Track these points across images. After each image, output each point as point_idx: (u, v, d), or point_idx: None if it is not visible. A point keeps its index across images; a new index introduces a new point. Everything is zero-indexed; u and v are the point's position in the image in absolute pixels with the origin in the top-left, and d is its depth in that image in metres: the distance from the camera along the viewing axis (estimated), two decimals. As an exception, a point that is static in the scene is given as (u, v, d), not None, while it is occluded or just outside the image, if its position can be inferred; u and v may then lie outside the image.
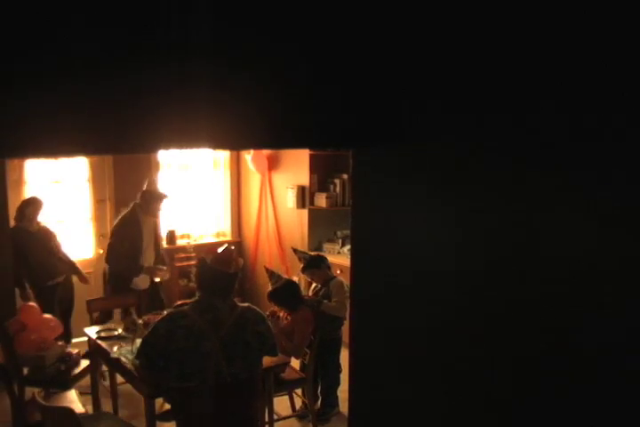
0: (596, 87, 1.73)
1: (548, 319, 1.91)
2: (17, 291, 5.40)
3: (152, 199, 5.56)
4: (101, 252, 6.51)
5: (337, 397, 4.80)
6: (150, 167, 6.71)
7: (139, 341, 3.54)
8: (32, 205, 5.41)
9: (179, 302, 4.00)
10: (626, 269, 1.72)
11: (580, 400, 1.86)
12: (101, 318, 5.23)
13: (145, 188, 5.67)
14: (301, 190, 6.53)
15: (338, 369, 4.76)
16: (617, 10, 1.66)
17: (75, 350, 4.57)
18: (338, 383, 4.79)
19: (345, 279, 4.61)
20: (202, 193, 7.21)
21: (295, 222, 6.41)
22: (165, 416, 4.17)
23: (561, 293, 1.87)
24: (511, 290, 2.01)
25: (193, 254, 6.76)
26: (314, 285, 4.85)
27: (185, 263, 6.73)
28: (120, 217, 5.57)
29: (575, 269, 1.83)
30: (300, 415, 4.71)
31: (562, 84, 1.80)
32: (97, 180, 6.44)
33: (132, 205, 5.56)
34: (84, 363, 4.52)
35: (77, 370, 4.44)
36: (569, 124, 1.79)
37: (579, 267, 1.82)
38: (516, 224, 1.97)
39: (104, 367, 4.56)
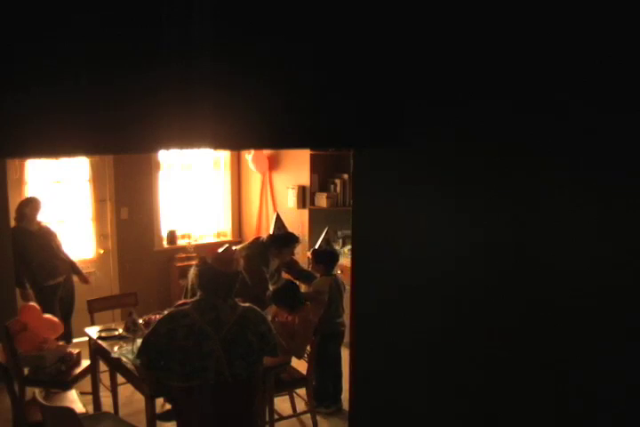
0: (601, 85, 1.73)
1: (549, 333, 1.91)
2: (18, 291, 5.40)
3: (284, 245, 5.09)
4: (102, 252, 6.52)
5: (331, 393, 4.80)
6: (151, 167, 6.71)
7: (139, 340, 3.54)
8: (30, 204, 5.41)
9: (180, 302, 4.00)
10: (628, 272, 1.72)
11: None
12: None
13: (273, 231, 5.19)
14: (302, 190, 6.52)
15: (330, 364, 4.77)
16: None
17: (75, 350, 4.57)
18: (330, 379, 4.80)
19: (346, 279, 4.62)
20: (202, 193, 7.21)
21: (296, 222, 6.40)
22: (166, 416, 4.17)
23: (564, 305, 1.86)
24: (514, 293, 2.01)
25: (193, 254, 6.76)
26: None
27: (185, 263, 6.73)
28: (250, 253, 5.00)
29: (581, 280, 1.82)
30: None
31: (563, 84, 1.80)
32: (97, 180, 6.44)
33: (258, 244, 5.10)
34: (85, 363, 4.52)
35: (78, 370, 4.44)
36: (571, 124, 1.79)
37: (584, 278, 1.81)
38: (517, 224, 1.97)
39: (104, 367, 4.56)
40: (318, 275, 4.90)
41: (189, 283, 4.40)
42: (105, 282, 6.52)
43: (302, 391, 4.52)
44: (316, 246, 5.11)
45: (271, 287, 4.80)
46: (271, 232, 5.25)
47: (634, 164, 1.66)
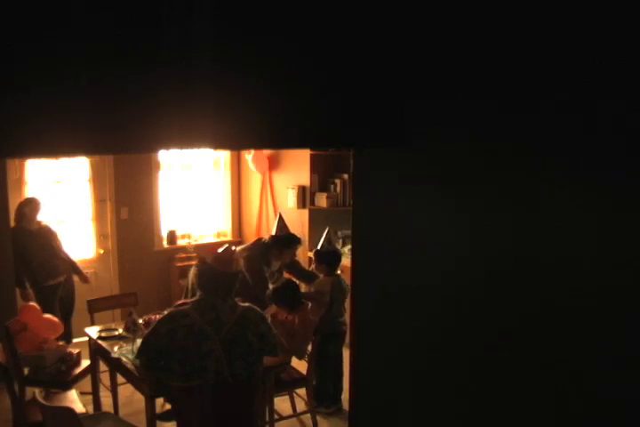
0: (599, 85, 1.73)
1: (549, 333, 1.91)
2: (18, 291, 5.40)
3: (286, 246, 5.06)
4: (102, 252, 6.52)
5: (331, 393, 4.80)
6: (151, 167, 6.71)
7: (139, 340, 3.54)
8: (30, 204, 5.42)
9: (179, 302, 4.00)
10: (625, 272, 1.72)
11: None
12: None
13: (275, 232, 5.23)
14: (302, 190, 6.52)
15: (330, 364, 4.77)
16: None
17: (75, 350, 4.57)
18: (330, 379, 4.80)
19: (346, 279, 4.63)
20: (202, 193, 7.21)
21: (296, 222, 6.40)
22: (166, 416, 4.17)
23: (564, 305, 1.86)
24: (513, 294, 2.01)
25: (193, 254, 6.76)
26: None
27: (185, 263, 6.73)
28: (252, 254, 4.99)
29: (581, 280, 1.82)
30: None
31: (564, 84, 1.80)
32: (97, 180, 6.44)
33: (259, 245, 5.08)
34: (85, 363, 4.52)
35: (78, 370, 4.44)
36: (571, 124, 1.79)
37: (584, 278, 1.81)
38: (517, 224, 1.97)
39: (104, 367, 4.56)
40: (321, 275, 4.89)
41: (189, 283, 4.40)
42: (105, 282, 6.52)
43: (302, 391, 4.52)
44: (319, 247, 5.11)
45: (271, 287, 4.80)
46: (273, 233, 5.25)
47: (634, 164, 1.66)
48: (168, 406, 4.30)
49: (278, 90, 1.91)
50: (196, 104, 1.76)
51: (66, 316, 5.57)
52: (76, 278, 5.76)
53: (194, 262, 3.92)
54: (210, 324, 3.17)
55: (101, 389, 4.61)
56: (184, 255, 6.87)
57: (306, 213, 6.49)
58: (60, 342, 4.68)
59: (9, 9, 1.52)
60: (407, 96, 2.15)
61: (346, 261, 5.50)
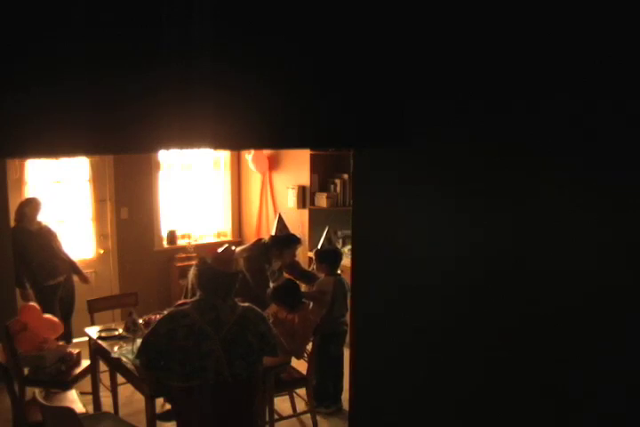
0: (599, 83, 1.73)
1: (549, 333, 1.91)
2: (18, 291, 5.40)
3: (286, 246, 5.05)
4: (102, 252, 6.52)
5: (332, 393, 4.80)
6: (151, 167, 6.71)
7: (139, 340, 3.54)
8: (30, 204, 5.42)
9: (179, 302, 4.00)
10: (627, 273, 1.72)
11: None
12: None
13: (275, 232, 5.25)
14: (302, 190, 6.52)
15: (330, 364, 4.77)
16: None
17: (75, 350, 4.57)
18: (330, 379, 4.80)
19: (346, 279, 4.63)
20: (202, 193, 7.21)
21: (296, 222, 6.40)
22: (166, 416, 4.17)
23: (565, 305, 1.86)
24: (513, 296, 2.01)
25: (193, 254, 6.76)
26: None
27: (185, 263, 6.73)
28: (252, 255, 4.98)
29: (581, 280, 1.82)
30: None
31: (563, 84, 1.80)
32: (97, 180, 6.44)
33: (259, 245, 5.05)
34: (85, 363, 4.52)
35: (78, 370, 4.44)
36: (571, 124, 1.79)
37: (585, 278, 1.81)
38: (517, 224, 1.97)
39: (104, 367, 4.56)
40: (322, 275, 4.89)
41: (189, 283, 4.40)
42: (105, 282, 6.52)
43: (302, 391, 4.52)
44: (319, 246, 5.11)
45: (272, 286, 4.80)
46: (273, 233, 5.25)
47: (634, 164, 1.66)
48: (168, 406, 4.30)
49: (278, 90, 1.91)
50: (196, 104, 1.76)
51: (66, 316, 5.57)
52: (75, 278, 5.76)
53: (194, 262, 3.92)
54: (210, 324, 3.17)
55: (101, 389, 4.61)
56: (184, 255, 6.87)
57: (306, 213, 6.49)
58: (60, 342, 4.68)
59: (9, 9, 1.52)
60: (407, 96, 2.15)
61: (346, 261, 5.50)
